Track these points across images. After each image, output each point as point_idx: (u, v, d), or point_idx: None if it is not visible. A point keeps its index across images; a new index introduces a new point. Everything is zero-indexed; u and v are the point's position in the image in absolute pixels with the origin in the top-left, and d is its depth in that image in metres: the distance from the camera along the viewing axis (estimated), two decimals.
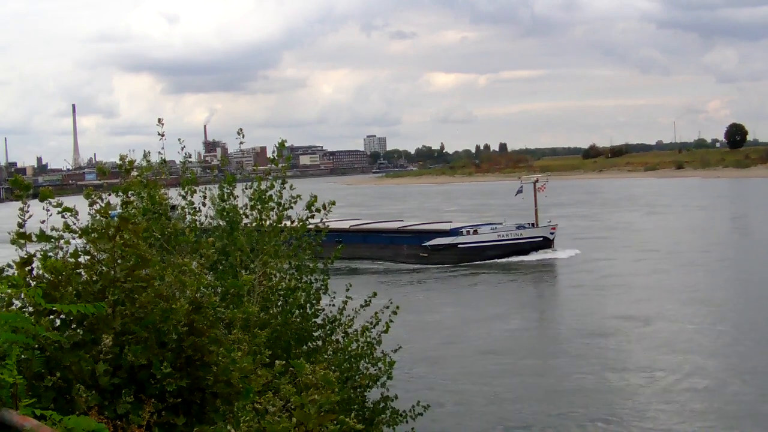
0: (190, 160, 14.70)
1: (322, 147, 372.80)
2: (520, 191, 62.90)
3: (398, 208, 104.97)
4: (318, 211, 11.83)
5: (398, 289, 51.31)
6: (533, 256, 59.46)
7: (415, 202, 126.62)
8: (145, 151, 13.52)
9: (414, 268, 59.03)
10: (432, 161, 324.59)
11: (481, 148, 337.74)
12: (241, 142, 13.40)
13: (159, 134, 12.34)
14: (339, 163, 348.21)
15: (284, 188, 11.76)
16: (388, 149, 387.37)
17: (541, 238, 61.25)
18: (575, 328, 35.74)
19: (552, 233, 61.61)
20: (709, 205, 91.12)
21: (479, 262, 58.79)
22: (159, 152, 13.16)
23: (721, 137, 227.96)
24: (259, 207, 11.62)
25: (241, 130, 13.18)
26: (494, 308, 42.26)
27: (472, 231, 61.78)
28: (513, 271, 56.23)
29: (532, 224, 62.18)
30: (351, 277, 54.29)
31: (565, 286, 49.27)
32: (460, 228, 62.94)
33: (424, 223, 70.21)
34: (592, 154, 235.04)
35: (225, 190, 11.94)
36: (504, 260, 59.18)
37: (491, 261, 59.08)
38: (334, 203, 11.89)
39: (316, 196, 12.00)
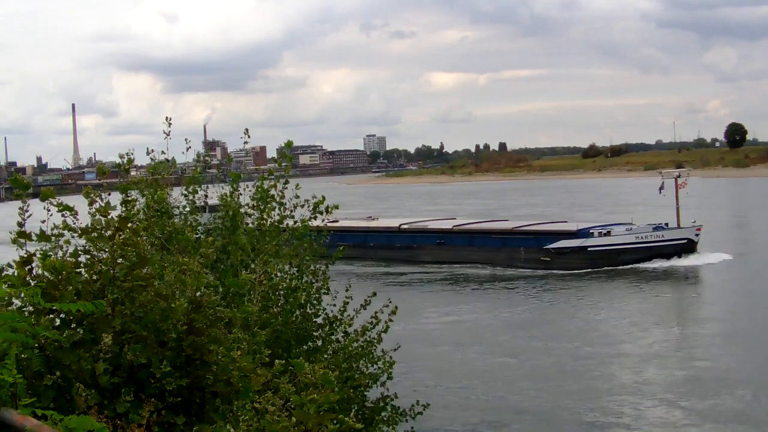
0: (199, 160, 14.73)
1: (321, 146, 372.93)
2: (662, 188, 57.18)
3: (376, 208, 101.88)
4: (321, 213, 11.87)
5: (520, 298, 45.85)
6: (679, 261, 53.10)
7: (398, 202, 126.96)
8: (148, 148, 13.52)
9: (535, 275, 52.45)
10: (432, 161, 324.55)
11: (481, 147, 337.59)
12: (246, 142, 13.43)
13: (165, 133, 12.40)
14: (339, 163, 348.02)
15: (286, 188, 11.78)
16: (387, 149, 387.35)
17: (684, 240, 54.48)
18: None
19: (697, 234, 54.65)
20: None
21: (614, 268, 52.27)
22: (163, 152, 13.19)
23: (721, 137, 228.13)
24: (261, 206, 11.64)
25: (247, 130, 13.18)
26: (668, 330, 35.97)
27: (604, 232, 55.18)
28: (664, 279, 49.52)
29: (666, 224, 55.92)
30: (455, 284, 51.22)
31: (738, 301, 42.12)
32: (589, 228, 56.31)
33: (544, 222, 63.66)
34: (591, 153, 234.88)
35: (233, 187, 12.01)
36: (644, 265, 52.70)
37: (629, 266, 52.50)
38: (337, 207, 11.98)
39: (323, 197, 12.01)
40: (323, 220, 12.07)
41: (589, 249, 54.08)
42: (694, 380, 28.46)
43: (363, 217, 72.14)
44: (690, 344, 34.05)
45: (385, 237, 63.48)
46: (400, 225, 65.18)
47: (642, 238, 54.43)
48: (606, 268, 52.50)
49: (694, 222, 55.19)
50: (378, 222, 68.37)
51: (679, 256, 53.66)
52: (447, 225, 64.07)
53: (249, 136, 13.21)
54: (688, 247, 54.44)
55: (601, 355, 31.92)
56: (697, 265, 52.42)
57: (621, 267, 52.53)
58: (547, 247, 55.20)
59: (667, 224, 55.81)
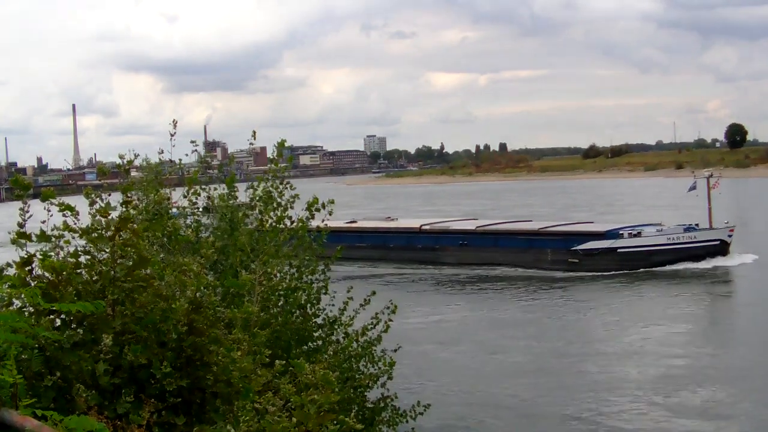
0: (201, 161, 14.69)
1: (322, 147, 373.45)
2: (693, 187, 55.91)
3: (375, 208, 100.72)
4: (318, 210, 11.83)
5: (546, 300, 44.23)
6: (710, 263, 51.54)
7: (396, 202, 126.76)
8: (160, 148, 13.53)
9: (563, 276, 51.18)
10: (432, 161, 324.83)
11: (481, 148, 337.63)
12: (252, 144, 13.41)
13: (171, 134, 12.44)
14: (339, 163, 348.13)
15: (285, 188, 11.77)
16: (388, 149, 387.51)
17: (717, 242, 53.00)
18: None
19: (730, 235, 53.15)
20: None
21: (645, 270, 50.84)
22: (168, 151, 13.20)
23: (721, 137, 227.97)
24: (261, 207, 11.64)
25: (254, 133, 13.13)
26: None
27: (634, 233, 53.65)
28: (698, 280, 47.93)
29: (697, 224, 54.17)
30: (483, 287, 49.26)
31: None
32: (618, 229, 54.88)
33: (571, 223, 61.83)
34: (592, 154, 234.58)
35: (231, 189, 12.00)
36: (676, 267, 51.04)
37: (660, 269, 51.00)
38: (332, 201, 11.91)
39: (317, 198, 12.00)
40: (323, 220, 12.05)
41: (618, 250, 52.70)
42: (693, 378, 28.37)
43: (382, 217, 70.75)
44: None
45: (405, 238, 61.73)
46: (421, 226, 63.12)
47: (674, 239, 53.07)
48: (636, 270, 51.22)
49: (727, 222, 53.71)
50: (398, 222, 66.51)
51: (712, 258, 52.38)
52: (470, 226, 61.99)
53: (255, 139, 13.21)
54: (721, 248, 53.10)
55: (624, 355, 31.91)
56: (731, 265, 51.19)
57: (652, 269, 51.36)
58: (575, 248, 53.72)
59: (697, 225, 54.41)
